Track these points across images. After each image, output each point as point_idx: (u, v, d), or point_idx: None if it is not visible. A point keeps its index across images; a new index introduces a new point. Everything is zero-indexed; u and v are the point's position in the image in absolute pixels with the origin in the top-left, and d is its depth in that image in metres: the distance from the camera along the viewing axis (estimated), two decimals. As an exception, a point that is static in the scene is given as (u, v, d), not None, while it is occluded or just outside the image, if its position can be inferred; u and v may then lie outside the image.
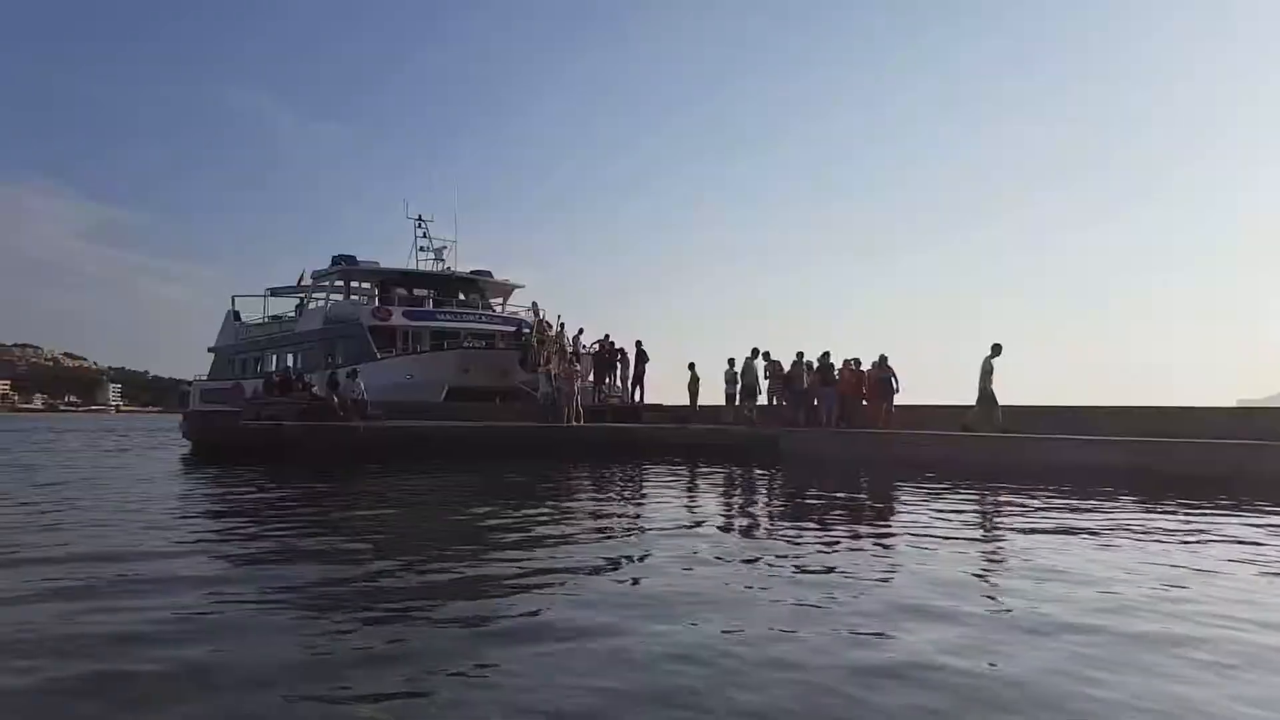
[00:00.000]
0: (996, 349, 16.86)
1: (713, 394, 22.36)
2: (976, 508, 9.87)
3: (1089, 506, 9.77)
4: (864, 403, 19.27)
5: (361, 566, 5.95)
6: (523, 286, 34.98)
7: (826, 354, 19.55)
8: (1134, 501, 10.21)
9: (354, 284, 34.40)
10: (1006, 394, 17.00)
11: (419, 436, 18.86)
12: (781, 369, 20.24)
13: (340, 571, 5.77)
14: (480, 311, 32.47)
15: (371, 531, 7.79)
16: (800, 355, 19.98)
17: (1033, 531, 7.82)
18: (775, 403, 20.47)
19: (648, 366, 24.92)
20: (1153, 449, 14.12)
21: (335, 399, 20.25)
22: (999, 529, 8.18)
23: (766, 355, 20.53)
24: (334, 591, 5.18)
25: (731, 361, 21.25)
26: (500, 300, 34.94)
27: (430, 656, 3.84)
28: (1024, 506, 9.82)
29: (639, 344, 25.03)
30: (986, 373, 16.83)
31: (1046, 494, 11.07)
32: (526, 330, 27.62)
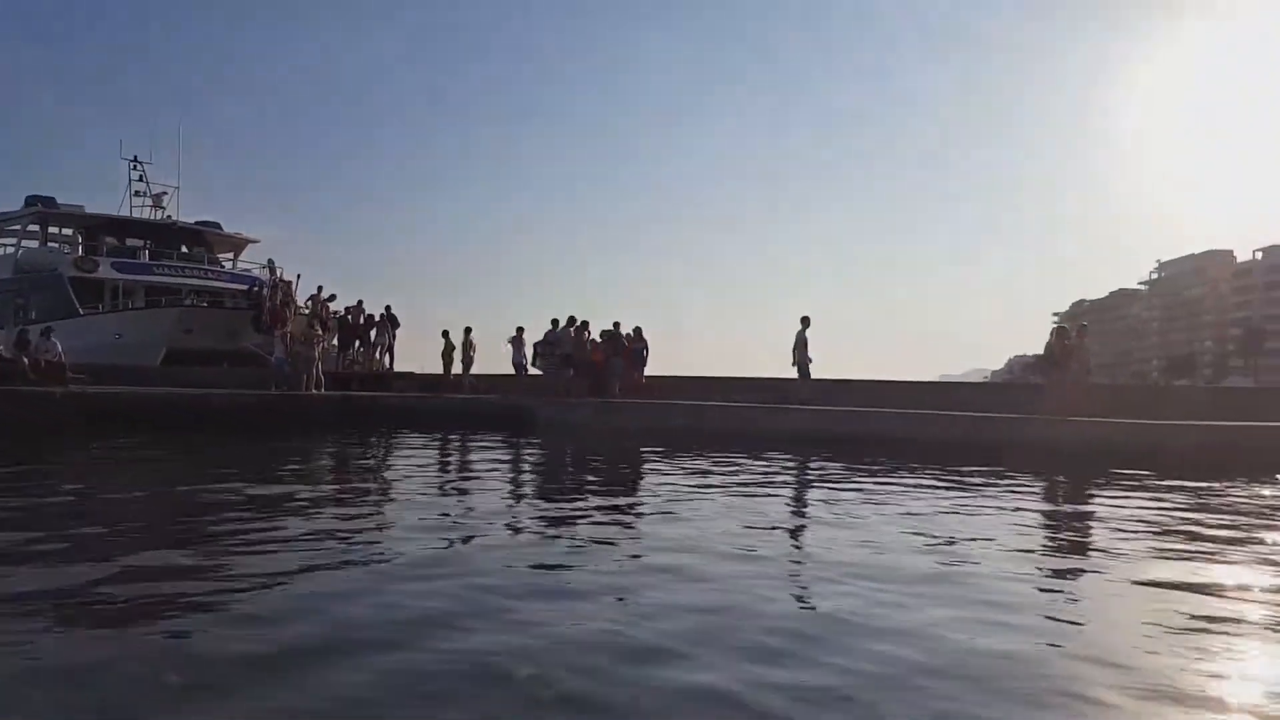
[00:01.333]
0: (806, 321, 17.40)
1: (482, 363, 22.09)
2: (712, 472, 10.16)
3: (813, 471, 10.39)
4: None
5: (54, 572, 5.03)
6: (257, 241, 32.29)
7: (617, 324, 19.57)
8: (839, 464, 11.00)
9: (52, 230, 30.23)
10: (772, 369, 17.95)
11: (130, 405, 16.79)
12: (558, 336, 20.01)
13: (27, 586, 4.83)
14: (206, 266, 29.58)
15: (65, 527, 6.68)
16: (585, 323, 19.83)
17: (761, 492, 8.15)
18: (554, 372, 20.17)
19: (398, 333, 23.93)
20: (862, 418, 15.36)
21: (25, 360, 17.60)
22: (735, 491, 8.44)
23: (555, 323, 20.15)
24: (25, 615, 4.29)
25: (468, 330, 21.61)
26: (231, 255, 32.06)
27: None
28: (763, 471, 10.26)
29: (388, 309, 23.90)
30: (800, 345, 17.33)
31: (782, 460, 11.66)
32: (259, 288, 25.50)
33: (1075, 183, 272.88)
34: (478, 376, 21.80)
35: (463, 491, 8.88)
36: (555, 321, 19.94)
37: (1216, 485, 9.76)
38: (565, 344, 19.59)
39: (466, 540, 6.08)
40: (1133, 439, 12.97)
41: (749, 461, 11.63)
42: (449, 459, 12.37)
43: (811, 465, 11.55)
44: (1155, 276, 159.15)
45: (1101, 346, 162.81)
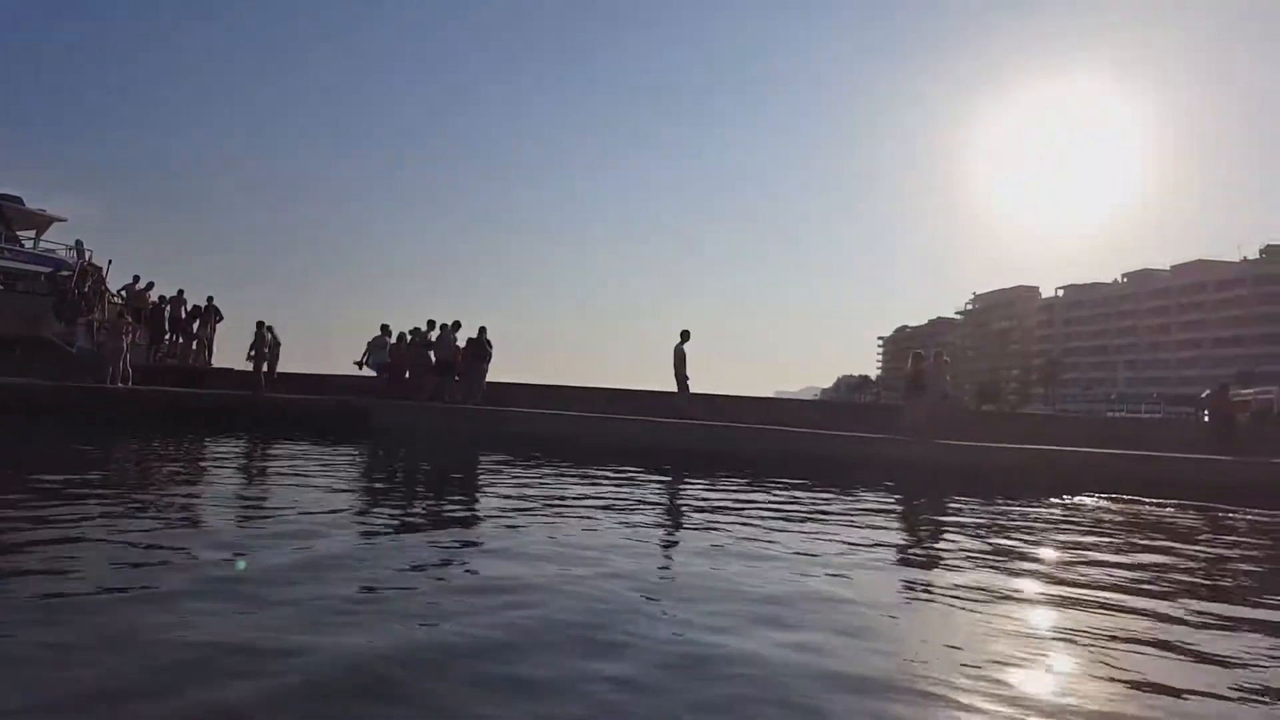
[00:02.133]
0: (685, 335, 17.29)
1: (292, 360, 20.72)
2: (543, 480, 9.99)
3: (646, 482, 10.43)
4: (456, 378, 18.99)
5: None
6: (64, 220, 29.54)
7: (483, 329, 18.73)
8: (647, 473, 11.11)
9: None
10: (598, 379, 17.73)
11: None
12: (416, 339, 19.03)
13: None
14: (2, 245, 26.82)
15: None
16: (456, 324, 18.92)
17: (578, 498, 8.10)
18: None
19: (220, 326, 22.51)
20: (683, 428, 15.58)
21: None
22: (554, 502, 8.32)
23: (432, 324, 19.04)
24: None
25: (262, 324, 19.67)
26: (32, 234, 29.23)
27: None
28: (587, 479, 10.20)
29: (210, 300, 22.44)
30: (680, 359, 17.21)
31: (608, 468, 11.62)
32: (63, 272, 23.38)
33: (904, 215, 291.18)
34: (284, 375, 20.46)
35: (254, 504, 8.29)
36: (432, 323, 19.07)
37: (1016, 501, 10.45)
38: (445, 348, 18.70)
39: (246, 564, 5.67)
40: (959, 459, 13.76)
41: (578, 471, 11.51)
42: (256, 466, 11.55)
43: (646, 477, 11.54)
44: (971, 307, 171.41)
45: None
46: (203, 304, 22.52)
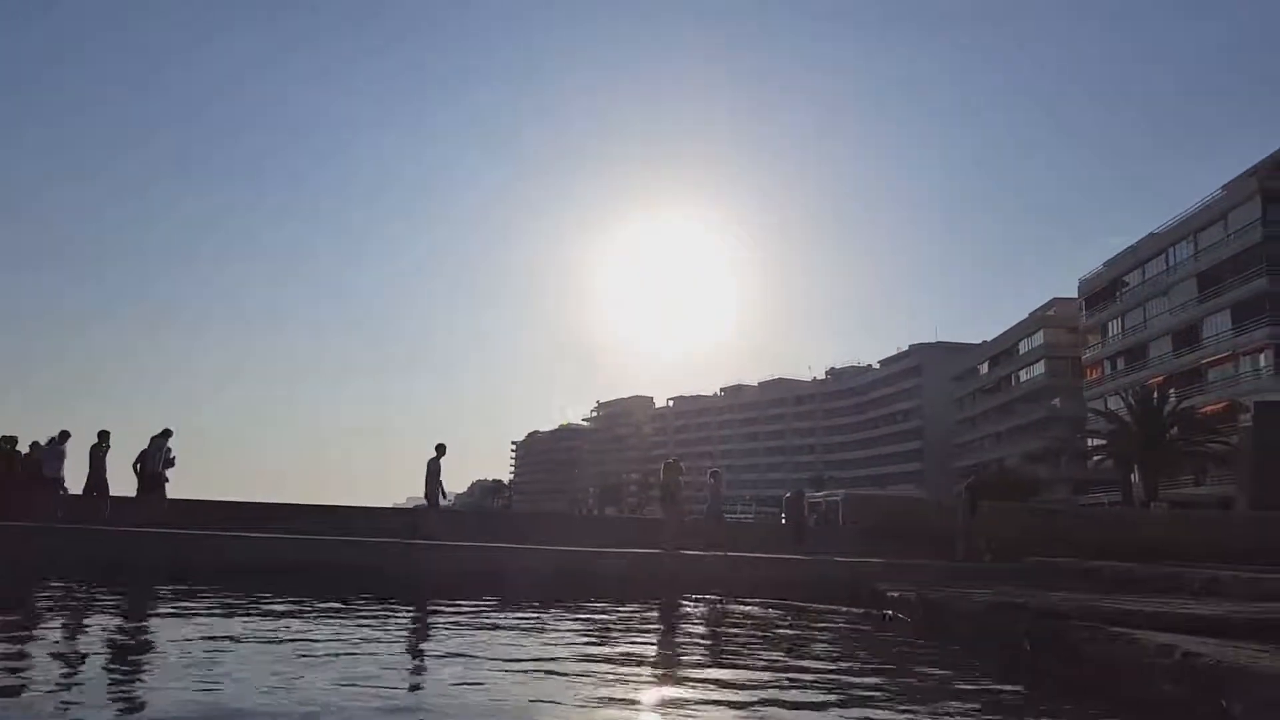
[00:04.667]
0: (441, 449, 16.71)
1: None
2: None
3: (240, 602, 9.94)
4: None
5: None
6: None
7: (103, 433, 16.13)
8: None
9: None
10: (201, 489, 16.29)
11: None
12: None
13: None
14: None
15: None
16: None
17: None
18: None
19: None
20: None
21: None
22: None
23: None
24: None
25: None
26: None
27: None
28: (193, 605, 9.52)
29: None
30: (433, 474, 16.55)
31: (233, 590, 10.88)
32: None
33: (533, 326, 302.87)
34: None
35: None
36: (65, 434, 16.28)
37: (625, 606, 11.45)
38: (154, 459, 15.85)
39: None
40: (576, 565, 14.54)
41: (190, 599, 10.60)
42: None
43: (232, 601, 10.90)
44: (595, 414, 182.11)
45: (549, 474, 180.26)
46: None
